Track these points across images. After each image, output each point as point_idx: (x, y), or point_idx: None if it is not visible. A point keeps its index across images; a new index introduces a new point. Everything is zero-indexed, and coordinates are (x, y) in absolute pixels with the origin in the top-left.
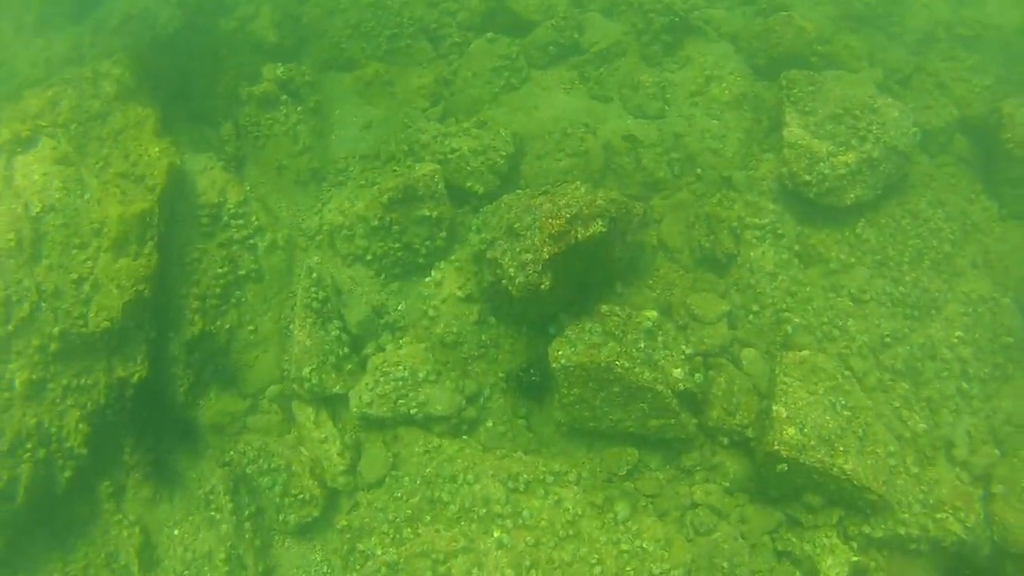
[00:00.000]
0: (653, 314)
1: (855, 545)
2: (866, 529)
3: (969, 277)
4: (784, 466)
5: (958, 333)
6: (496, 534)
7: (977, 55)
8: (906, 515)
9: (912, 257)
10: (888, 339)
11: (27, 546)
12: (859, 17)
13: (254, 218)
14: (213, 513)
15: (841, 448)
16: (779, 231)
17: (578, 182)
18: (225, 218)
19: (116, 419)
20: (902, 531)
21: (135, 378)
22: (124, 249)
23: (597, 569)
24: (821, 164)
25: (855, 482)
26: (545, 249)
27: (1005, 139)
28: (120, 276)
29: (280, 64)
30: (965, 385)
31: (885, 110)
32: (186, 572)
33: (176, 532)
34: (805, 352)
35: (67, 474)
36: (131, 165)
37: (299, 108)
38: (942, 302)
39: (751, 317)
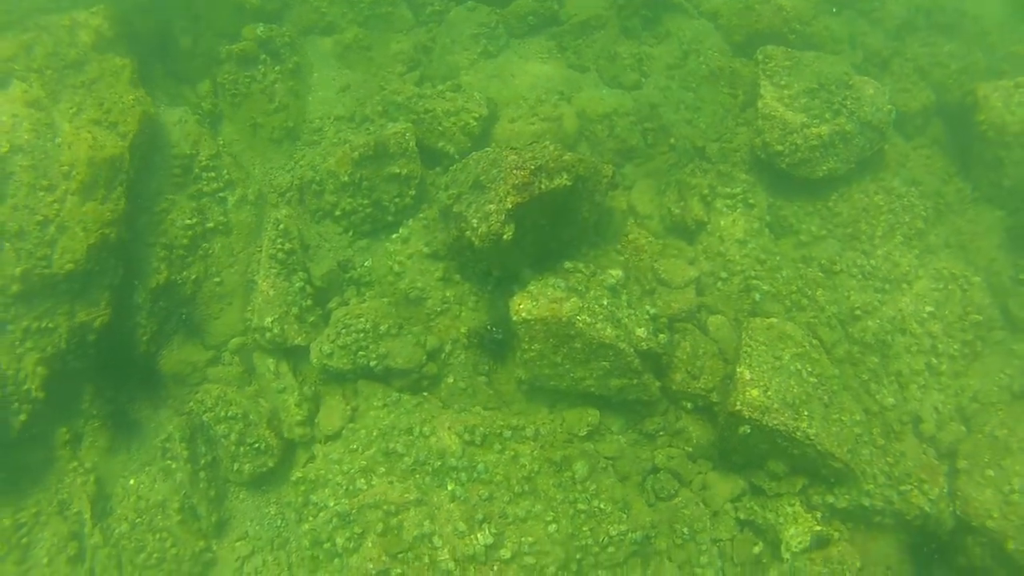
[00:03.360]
0: (618, 273)
1: (818, 515)
2: (830, 499)
3: (941, 255)
4: (747, 428)
5: (928, 308)
6: (450, 487)
7: (955, 42)
8: (871, 486)
9: (884, 231)
10: (858, 311)
11: None
12: (840, 1)
13: (226, 172)
14: (169, 462)
15: (806, 413)
16: (750, 201)
17: (547, 142)
18: (196, 170)
19: (77, 365)
20: (866, 502)
21: (97, 323)
22: (92, 193)
23: (552, 527)
24: (794, 135)
25: (819, 447)
26: (508, 199)
27: (979, 121)
28: (87, 219)
29: (261, 24)
30: (934, 361)
31: (860, 86)
32: (139, 520)
33: (132, 481)
34: (773, 319)
35: (22, 417)
36: (104, 112)
37: (277, 68)
38: (913, 277)
39: (719, 284)
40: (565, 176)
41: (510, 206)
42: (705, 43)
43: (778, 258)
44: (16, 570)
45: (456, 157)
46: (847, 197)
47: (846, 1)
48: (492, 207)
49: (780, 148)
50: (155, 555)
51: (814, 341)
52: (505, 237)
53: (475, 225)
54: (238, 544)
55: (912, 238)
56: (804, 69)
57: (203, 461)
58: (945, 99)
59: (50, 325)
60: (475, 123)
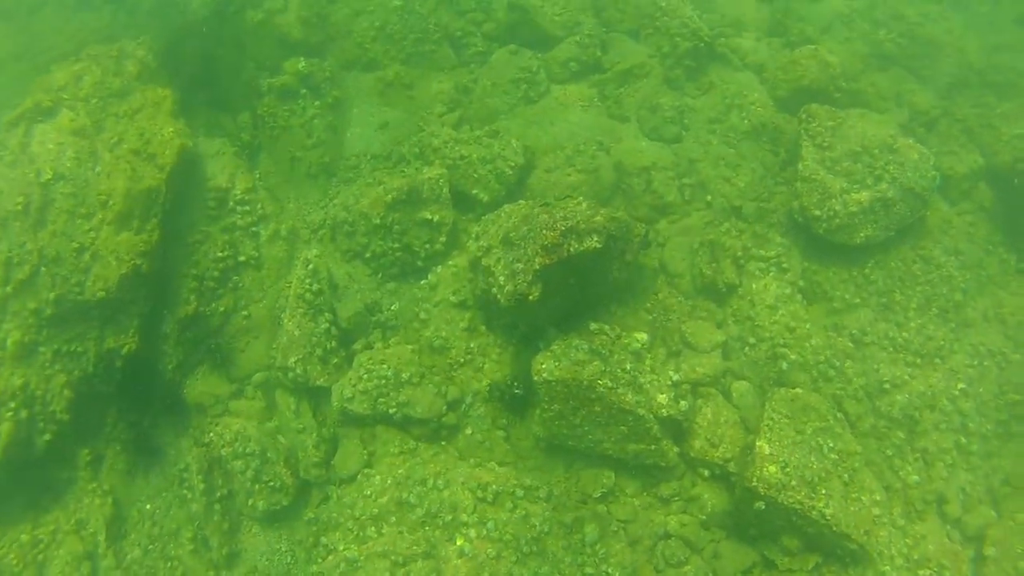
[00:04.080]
0: (643, 336)
1: None
2: None
3: (979, 329)
4: (762, 504)
5: (961, 385)
6: (459, 542)
7: (1009, 103)
8: (887, 568)
9: (920, 303)
10: (887, 385)
11: (1, 503)
12: (889, 57)
13: (260, 206)
14: (185, 492)
15: (823, 491)
16: (784, 265)
17: (580, 198)
18: (231, 203)
19: (102, 389)
20: None
21: (125, 350)
22: (127, 223)
23: None
24: (833, 200)
25: (834, 528)
26: (537, 260)
27: None
28: (120, 249)
29: (302, 58)
30: (964, 440)
31: (905, 151)
32: (151, 547)
33: (148, 507)
34: (798, 390)
35: (47, 437)
36: (144, 143)
37: (317, 103)
38: (947, 352)
39: (747, 350)
40: (596, 238)
41: (538, 267)
42: (749, 97)
43: (808, 326)
44: None
45: (490, 204)
46: (883, 265)
47: (895, 57)
48: (520, 266)
49: (818, 213)
50: None
51: (839, 414)
52: (531, 298)
53: (502, 283)
54: None
55: (948, 311)
56: (848, 130)
57: (219, 493)
58: (994, 163)
59: (79, 349)
60: (511, 171)
